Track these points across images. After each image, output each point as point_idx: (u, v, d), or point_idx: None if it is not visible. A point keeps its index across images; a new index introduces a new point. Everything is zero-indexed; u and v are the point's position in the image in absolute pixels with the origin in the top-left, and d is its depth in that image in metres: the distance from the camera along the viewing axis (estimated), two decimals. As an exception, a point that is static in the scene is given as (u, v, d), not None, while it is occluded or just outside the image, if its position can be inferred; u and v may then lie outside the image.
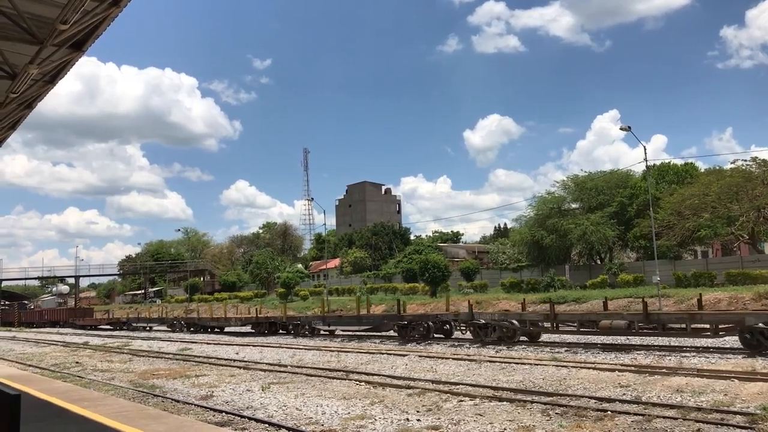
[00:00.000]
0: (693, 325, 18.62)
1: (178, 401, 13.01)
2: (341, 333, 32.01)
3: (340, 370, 17.19)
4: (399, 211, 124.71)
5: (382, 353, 21.54)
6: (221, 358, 22.60)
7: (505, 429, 9.30)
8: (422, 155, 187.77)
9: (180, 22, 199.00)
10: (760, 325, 16.79)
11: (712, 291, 30.92)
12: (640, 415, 9.73)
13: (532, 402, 11.19)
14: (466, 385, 13.60)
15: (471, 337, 24.36)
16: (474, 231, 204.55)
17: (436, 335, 25.92)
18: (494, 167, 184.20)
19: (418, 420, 10.14)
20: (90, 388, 14.40)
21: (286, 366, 19.12)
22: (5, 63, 11.09)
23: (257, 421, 10.59)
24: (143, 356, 25.48)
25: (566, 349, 20.43)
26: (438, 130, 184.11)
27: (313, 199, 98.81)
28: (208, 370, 19.21)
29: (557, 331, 22.97)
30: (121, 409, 9.14)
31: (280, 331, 35.37)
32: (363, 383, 14.60)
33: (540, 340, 23.19)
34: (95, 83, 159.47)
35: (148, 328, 51.03)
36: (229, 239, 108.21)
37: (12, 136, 17.47)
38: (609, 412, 9.99)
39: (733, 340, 18.72)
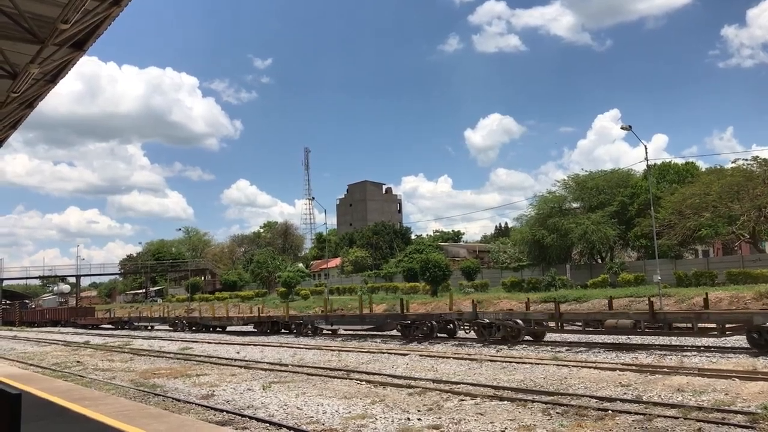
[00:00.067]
0: (700, 325, 18.54)
1: (179, 400, 13.02)
2: (344, 332, 32.00)
3: (341, 370, 17.20)
4: (400, 211, 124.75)
5: (383, 352, 21.54)
6: (222, 358, 22.61)
7: (506, 428, 9.30)
8: (423, 154, 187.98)
9: (181, 22, 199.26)
10: (768, 324, 16.71)
11: (713, 290, 30.89)
12: (641, 414, 9.73)
13: (533, 401, 11.19)
14: (467, 384, 13.60)
15: (475, 337, 24.23)
16: (475, 230, 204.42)
17: (439, 335, 25.85)
18: (495, 166, 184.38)
19: (419, 419, 10.14)
20: (91, 388, 14.41)
21: (287, 365, 19.13)
22: (6, 62, 11.10)
23: (258, 420, 10.59)
24: (144, 355, 25.50)
25: (567, 348, 20.42)
26: (439, 130, 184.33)
27: (313, 198, 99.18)
28: (209, 369, 19.22)
29: (562, 331, 22.73)
30: (122, 409, 9.15)
31: (283, 331, 35.39)
32: (364, 382, 14.61)
33: (543, 339, 23.11)
34: (96, 83, 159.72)
35: (149, 328, 51.06)
36: (230, 238, 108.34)
37: (13, 136, 17.50)
38: (610, 412, 9.99)
39: (733, 340, 18.71)
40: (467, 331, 25.12)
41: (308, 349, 24.49)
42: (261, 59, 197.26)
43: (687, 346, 18.85)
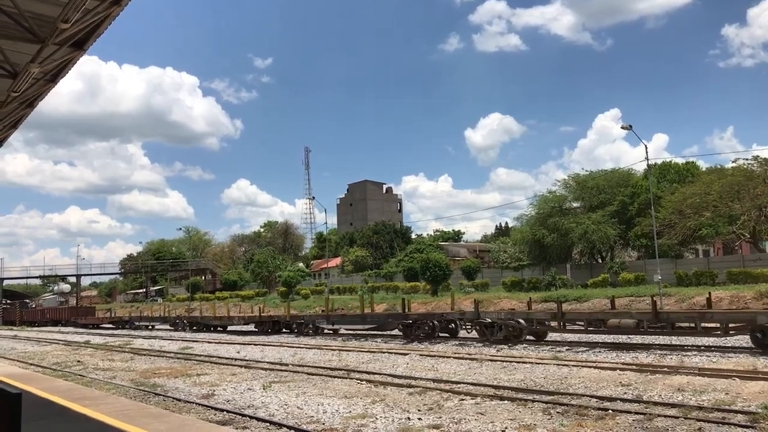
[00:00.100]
0: (703, 324, 18.51)
1: (179, 400, 13.02)
2: (345, 332, 31.99)
3: (341, 369, 17.20)
4: (400, 210, 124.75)
5: (384, 352, 21.54)
6: (222, 357, 22.62)
7: (506, 428, 9.29)
8: (423, 154, 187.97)
9: (181, 21, 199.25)
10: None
11: (713, 290, 30.86)
12: (641, 414, 9.73)
13: (533, 401, 11.19)
14: (467, 384, 13.60)
15: (477, 336, 24.15)
16: (475, 230, 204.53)
17: (441, 334, 25.80)
18: (495, 166, 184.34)
19: (420, 419, 10.14)
20: (91, 387, 14.42)
21: (287, 365, 19.13)
22: (6, 62, 11.09)
23: (258, 419, 10.59)
24: (144, 355, 25.51)
25: (567, 348, 20.42)
26: (439, 129, 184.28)
27: (314, 197, 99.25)
28: (209, 368, 19.23)
29: (564, 330, 22.66)
30: (122, 408, 9.15)
31: (284, 330, 35.41)
32: (364, 382, 14.61)
33: (545, 339, 23.03)
34: (96, 82, 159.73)
35: (150, 327, 51.08)
36: (231, 238, 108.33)
37: (13, 135, 17.49)
38: (610, 411, 9.99)
39: (734, 340, 18.70)
40: (469, 330, 25.05)
41: (309, 348, 24.49)
42: (261, 59, 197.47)
43: (687, 345, 18.84)
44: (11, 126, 15.83)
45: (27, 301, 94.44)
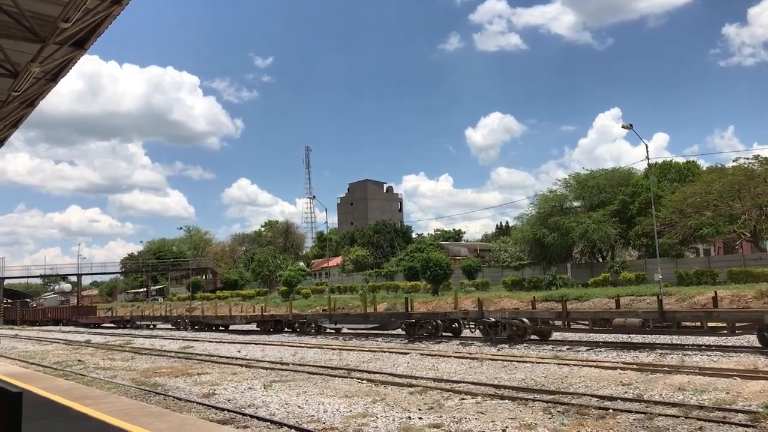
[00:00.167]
0: (709, 324, 18.46)
1: (180, 399, 13.03)
2: (347, 331, 31.98)
3: (341, 368, 17.20)
4: (401, 210, 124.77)
5: (384, 351, 21.55)
6: (223, 357, 22.63)
7: (506, 427, 9.29)
8: (424, 153, 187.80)
9: (181, 21, 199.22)
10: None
11: (714, 289, 30.83)
12: (641, 413, 9.73)
13: (533, 400, 11.19)
14: (468, 383, 13.60)
15: (480, 336, 24.03)
16: (476, 229, 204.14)
17: (444, 334, 25.75)
18: (496, 165, 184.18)
19: (420, 418, 10.14)
20: (92, 386, 14.43)
21: (288, 364, 19.14)
22: (7, 61, 11.09)
23: (259, 419, 10.59)
24: (145, 354, 25.53)
25: (568, 347, 20.42)
26: (439, 128, 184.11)
27: (314, 197, 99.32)
28: (210, 368, 19.23)
29: (569, 330, 22.49)
30: (123, 407, 9.15)
31: (286, 330, 35.43)
32: (365, 381, 14.62)
33: (549, 338, 22.91)
34: (97, 81, 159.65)
35: (151, 327, 51.11)
36: (231, 237, 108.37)
37: (14, 135, 17.49)
38: (611, 411, 9.99)
39: (734, 339, 18.68)
40: (473, 330, 24.93)
41: (309, 347, 24.50)
42: (262, 58, 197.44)
43: (688, 345, 18.83)
44: (12, 125, 15.83)
45: (28, 300, 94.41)
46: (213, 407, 11.90)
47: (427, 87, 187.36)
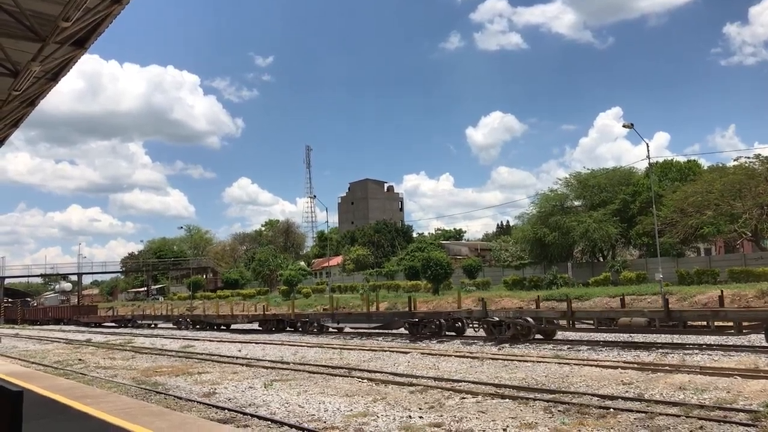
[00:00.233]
0: (716, 323, 18.41)
1: (180, 398, 13.03)
2: (349, 330, 31.96)
3: (342, 368, 17.20)
4: (401, 209, 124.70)
5: (385, 350, 21.55)
6: (224, 356, 22.64)
7: (507, 426, 9.29)
8: (424, 153, 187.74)
9: (182, 20, 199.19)
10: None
11: (714, 289, 30.83)
12: (642, 412, 9.72)
13: (534, 399, 11.18)
14: (469, 382, 13.60)
15: (483, 335, 23.96)
16: (476, 228, 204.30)
17: (447, 333, 25.68)
18: (497, 165, 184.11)
19: (421, 417, 10.14)
20: (93, 386, 14.44)
21: (288, 363, 19.14)
22: (8, 60, 11.09)
23: (259, 418, 10.60)
24: (146, 353, 25.54)
25: (569, 346, 20.41)
26: (440, 128, 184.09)
27: (315, 196, 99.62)
28: (210, 367, 19.24)
29: (573, 329, 22.39)
30: (123, 406, 9.16)
31: (288, 329, 35.45)
32: (365, 380, 14.62)
33: (553, 338, 22.80)
34: (97, 81, 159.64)
35: (152, 326, 51.13)
36: (232, 237, 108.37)
37: (15, 134, 17.49)
38: (611, 410, 9.98)
39: (735, 338, 18.67)
40: (476, 329, 24.87)
41: (310, 347, 24.50)
42: (262, 57, 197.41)
43: (689, 344, 18.82)
44: (12, 125, 15.83)
45: (28, 299, 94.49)
46: (213, 406, 11.90)
47: (427, 86, 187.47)
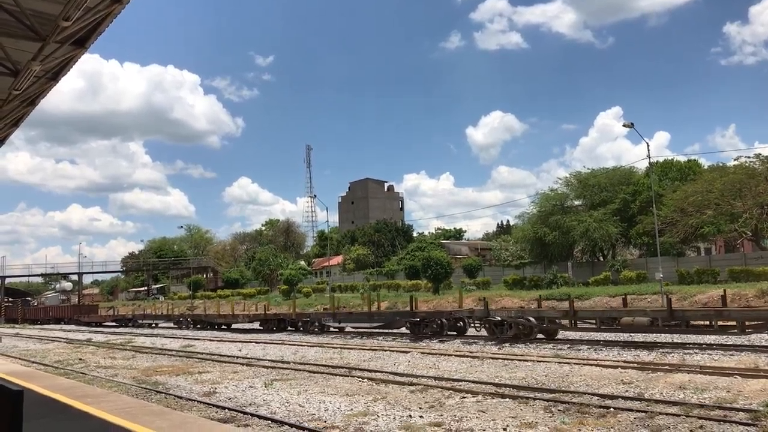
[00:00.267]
0: (720, 322, 18.36)
1: (180, 398, 13.04)
2: (350, 330, 31.96)
3: (342, 367, 17.21)
4: (401, 208, 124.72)
5: (385, 350, 21.56)
6: (224, 355, 22.64)
7: (507, 425, 9.29)
8: (425, 152, 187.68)
9: (182, 19, 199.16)
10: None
11: (715, 288, 30.84)
12: (642, 411, 9.72)
13: (534, 399, 11.18)
14: (469, 381, 13.60)
15: (484, 335, 23.90)
16: (476, 228, 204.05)
17: (449, 332, 25.66)
18: (497, 164, 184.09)
19: (421, 416, 10.14)
20: (93, 385, 14.45)
21: (289, 363, 19.15)
22: (8, 60, 11.10)
23: (260, 417, 10.60)
24: (146, 353, 25.55)
25: (569, 346, 20.41)
26: (440, 127, 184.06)
27: (315, 196, 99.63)
28: (210, 366, 19.25)
29: (576, 329, 22.34)
30: (124, 406, 9.16)
31: (289, 328, 35.47)
32: (366, 380, 14.62)
33: (555, 337, 22.75)
34: (98, 80, 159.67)
35: (153, 325, 51.14)
36: (232, 236, 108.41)
37: (15, 133, 17.50)
38: (611, 409, 9.98)
39: (735, 338, 18.66)
40: (478, 328, 24.81)
41: (310, 346, 24.51)
42: (263, 57, 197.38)
43: (689, 343, 18.81)
44: (13, 124, 15.84)
45: (29, 299, 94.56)
46: (214, 406, 11.91)
47: (427, 86, 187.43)
